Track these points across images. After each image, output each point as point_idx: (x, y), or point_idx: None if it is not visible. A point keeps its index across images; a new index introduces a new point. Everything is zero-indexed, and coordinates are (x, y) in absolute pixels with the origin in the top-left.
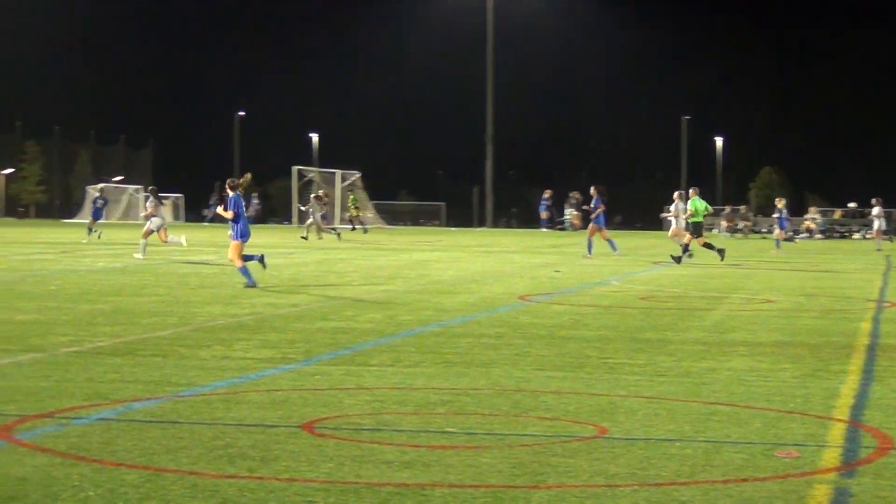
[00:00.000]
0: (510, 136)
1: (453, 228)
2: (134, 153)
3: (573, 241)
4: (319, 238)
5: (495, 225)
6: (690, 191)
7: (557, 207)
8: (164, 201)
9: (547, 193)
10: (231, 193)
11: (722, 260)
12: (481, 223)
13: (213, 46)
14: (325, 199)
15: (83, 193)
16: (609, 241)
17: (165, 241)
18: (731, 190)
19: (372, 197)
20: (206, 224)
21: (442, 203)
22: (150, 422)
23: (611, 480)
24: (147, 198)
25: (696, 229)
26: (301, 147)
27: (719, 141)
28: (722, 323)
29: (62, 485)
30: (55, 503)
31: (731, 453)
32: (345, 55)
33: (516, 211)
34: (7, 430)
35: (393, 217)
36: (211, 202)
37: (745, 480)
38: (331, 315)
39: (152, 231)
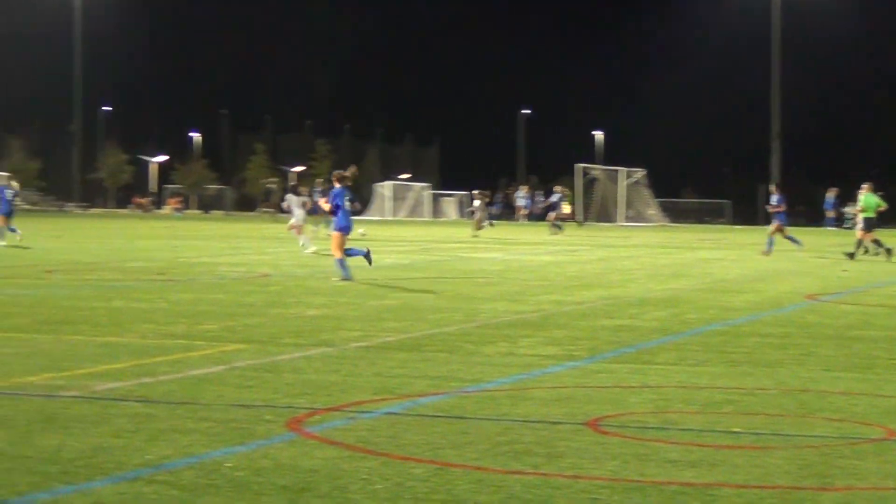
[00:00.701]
0: (797, 133)
1: (738, 227)
2: (420, 151)
3: None
4: (478, 230)
5: None
6: (864, 186)
7: (843, 206)
8: (304, 201)
9: (832, 193)
10: (337, 186)
11: (890, 258)
12: (767, 222)
13: (499, 45)
14: (487, 197)
15: (371, 190)
16: (790, 237)
17: (298, 236)
18: None
19: (656, 195)
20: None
21: (727, 201)
22: (437, 417)
23: None
24: (289, 194)
25: (867, 224)
26: (585, 145)
27: None
28: None
29: (351, 477)
30: (344, 495)
31: None
32: (629, 53)
33: (803, 209)
34: (298, 423)
35: (677, 215)
36: (493, 201)
37: None
38: (615, 312)
39: (301, 224)
